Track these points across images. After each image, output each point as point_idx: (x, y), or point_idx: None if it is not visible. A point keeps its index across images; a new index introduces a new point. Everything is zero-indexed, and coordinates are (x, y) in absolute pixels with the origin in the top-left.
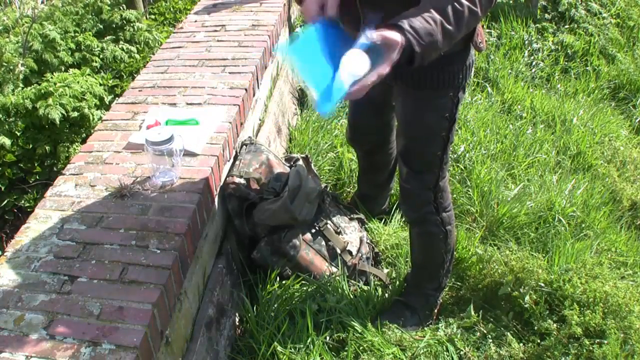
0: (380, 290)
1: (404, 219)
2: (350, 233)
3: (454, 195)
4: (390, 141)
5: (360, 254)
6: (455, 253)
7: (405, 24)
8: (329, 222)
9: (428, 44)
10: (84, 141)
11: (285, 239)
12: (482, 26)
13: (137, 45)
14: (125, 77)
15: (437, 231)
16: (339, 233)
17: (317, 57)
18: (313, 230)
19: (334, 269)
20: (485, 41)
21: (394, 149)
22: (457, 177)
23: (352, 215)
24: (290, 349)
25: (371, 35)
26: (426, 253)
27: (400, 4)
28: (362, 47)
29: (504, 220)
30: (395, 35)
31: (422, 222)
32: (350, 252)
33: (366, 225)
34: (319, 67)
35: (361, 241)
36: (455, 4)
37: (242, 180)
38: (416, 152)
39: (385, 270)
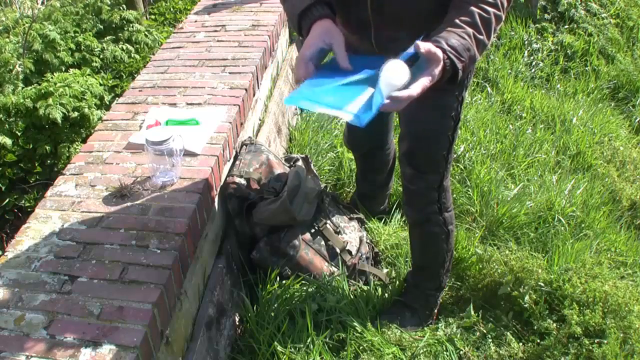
0: (380, 290)
1: (404, 219)
2: (350, 233)
3: (454, 195)
4: (388, 142)
5: (360, 254)
6: (455, 253)
7: (443, 43)
8: (328, 222)
9: (467, 59)
10: (84, 141)
11: (285, 239)
12: None
13: (137, 46)
14: (125, 77)
15: (440, 231)
16: (338, 233)
17: (329, 87)
18: (312, 230)
19: (334, 269)
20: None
21: (392, 149)
22: (457, 177)
23: (351, 215)
24: (290, 348)
25: (417, 44)
26: (428, 253)
27: (418, 19)
28: (404, 58)
29: (503, 220)
30: (438, 51)
31: (425, 222)
32: (349, 252)
33: (366, 225)
34: (339, 93)
35: (361, 241)
36: (482, 12)
37: (243, 180)
38: (422, 153)
39: (385, 270)
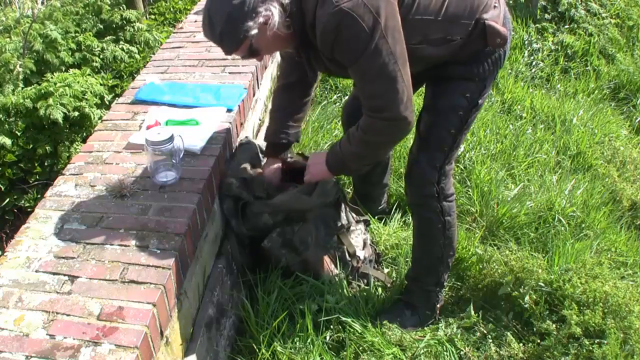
0: (380, 290)
1: (404, 219)
2: (357, 237)
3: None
4: None
5: (363, 257)
6: (455, 254)
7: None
8: (346, 226)
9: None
10: (84, 141)
11: (298, 233)
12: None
13: (137, 46)
14: (125, 77)
15: (435, 219)
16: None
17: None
18: (327, 230)
19: (338, 270)
20: (501, 36)
21: None
22: (457, 177)
23: (358, 218)
24: (290, 349)
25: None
26: (424, 242)
27: None
28: None
29: (503, 220)
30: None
31: (422, 205)
32: (357, 257)
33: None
34: None
35: (365, 244)
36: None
37: (235, 180)
38: (431, 122)
39: (386, 270)
